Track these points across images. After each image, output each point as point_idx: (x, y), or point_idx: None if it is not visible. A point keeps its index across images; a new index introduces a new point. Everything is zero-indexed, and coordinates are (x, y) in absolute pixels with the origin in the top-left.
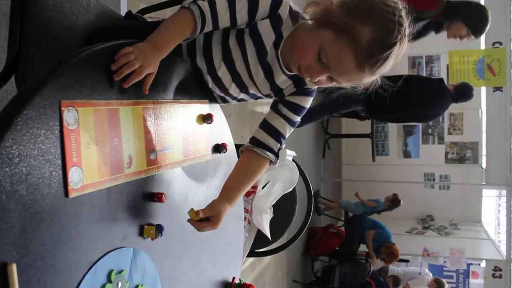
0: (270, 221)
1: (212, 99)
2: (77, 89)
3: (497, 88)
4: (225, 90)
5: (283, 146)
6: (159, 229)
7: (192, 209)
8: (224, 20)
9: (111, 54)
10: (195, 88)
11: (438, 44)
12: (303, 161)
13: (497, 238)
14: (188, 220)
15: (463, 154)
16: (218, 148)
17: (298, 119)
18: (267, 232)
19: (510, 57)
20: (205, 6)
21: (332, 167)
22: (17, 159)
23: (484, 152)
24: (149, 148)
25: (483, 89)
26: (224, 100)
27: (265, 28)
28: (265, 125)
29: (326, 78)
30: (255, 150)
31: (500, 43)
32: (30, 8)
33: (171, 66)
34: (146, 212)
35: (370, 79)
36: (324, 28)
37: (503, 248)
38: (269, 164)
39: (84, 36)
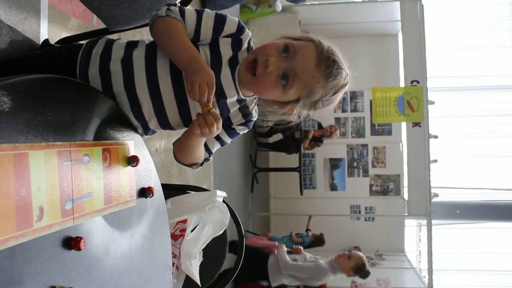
0: (200, 265)
1: (137, 138)
2: None
3: (416, 124)
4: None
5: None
6: None
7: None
8: (190, 30)
9: (21, 88)
10: (119, 128)
11: (361, 80)
12: (231, 196)
13: (419, 266)
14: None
15: (386, 186)
16: (144, 193)
17: (229, 141)
18: (197, 278)
19: (426, 95)
20: (175, 12)
21: (260, 201)
22: None
23: (405, 184)
24: (65, 197)
25: (403, 124)
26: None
27: (224, 45)
28: None
29: (277, 77)
30: None
31: (418, 82)
32: None
33: (93, 103)
34: (60, 269)
35: (321, 87)
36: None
37: (424, 274)
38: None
39: None
